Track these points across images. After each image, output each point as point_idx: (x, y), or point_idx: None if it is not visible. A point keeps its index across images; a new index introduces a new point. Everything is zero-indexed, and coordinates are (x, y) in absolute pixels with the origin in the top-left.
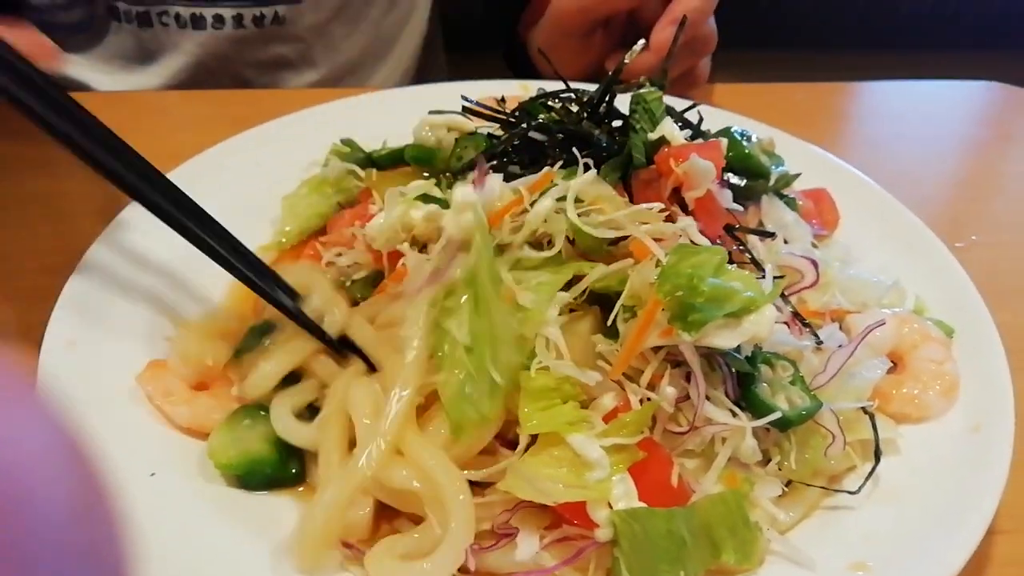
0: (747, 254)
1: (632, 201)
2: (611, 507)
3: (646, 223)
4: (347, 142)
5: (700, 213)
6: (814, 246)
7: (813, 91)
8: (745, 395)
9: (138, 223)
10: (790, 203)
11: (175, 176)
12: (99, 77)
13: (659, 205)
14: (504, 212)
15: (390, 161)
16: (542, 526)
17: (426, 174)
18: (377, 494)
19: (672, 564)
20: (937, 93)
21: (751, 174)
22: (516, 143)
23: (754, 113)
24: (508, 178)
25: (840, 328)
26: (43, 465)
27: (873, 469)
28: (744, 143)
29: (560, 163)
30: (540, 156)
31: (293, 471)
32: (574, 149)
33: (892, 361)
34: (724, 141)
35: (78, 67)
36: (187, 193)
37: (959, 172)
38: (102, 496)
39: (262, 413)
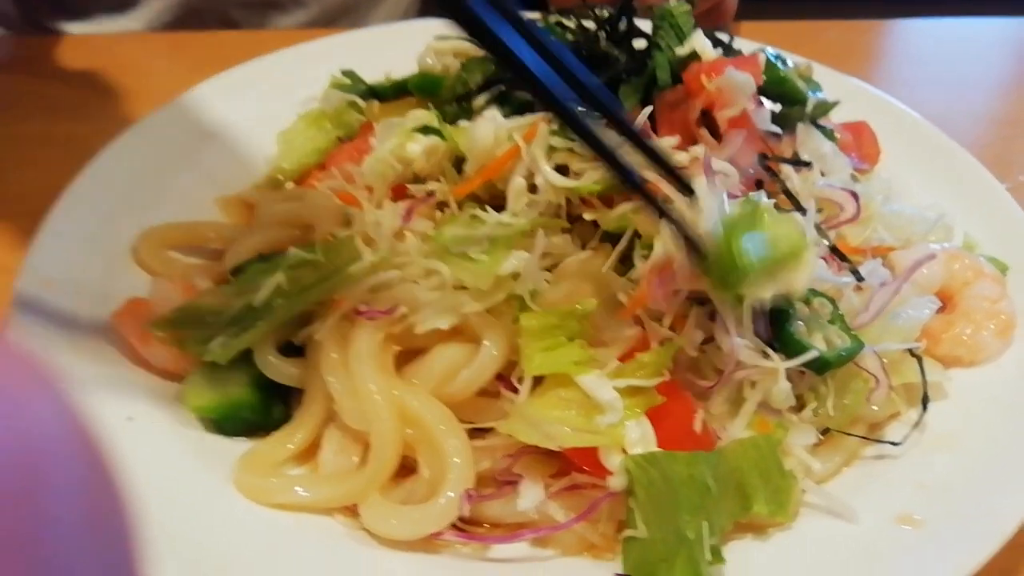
0: (782, 187)
1: (655, 127)
2: (626, 453)
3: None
4: (348, 73)
5: (734, 134)
6: (854, 179)
7: (847, 28)
8: (778, 334)
9: (121, 158)
10: (828, 134)
11: (161, 114)
12: (81, 25)
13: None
14: (502, 163)
15: (393, 92)
16: (548, 474)
17: (431, 105)
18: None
19: (694, 513)
20: (976, 30)
21: (787, 100)
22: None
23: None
24: (517, 108)
25: (884, 265)
26: (53, 440)
27: (921, 416)
28: (780, 66)
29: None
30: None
31: (275, 416)
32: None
33: (942, 300)
34: (762, 55)
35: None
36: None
37: (1000, 112)
38: (109, 470)
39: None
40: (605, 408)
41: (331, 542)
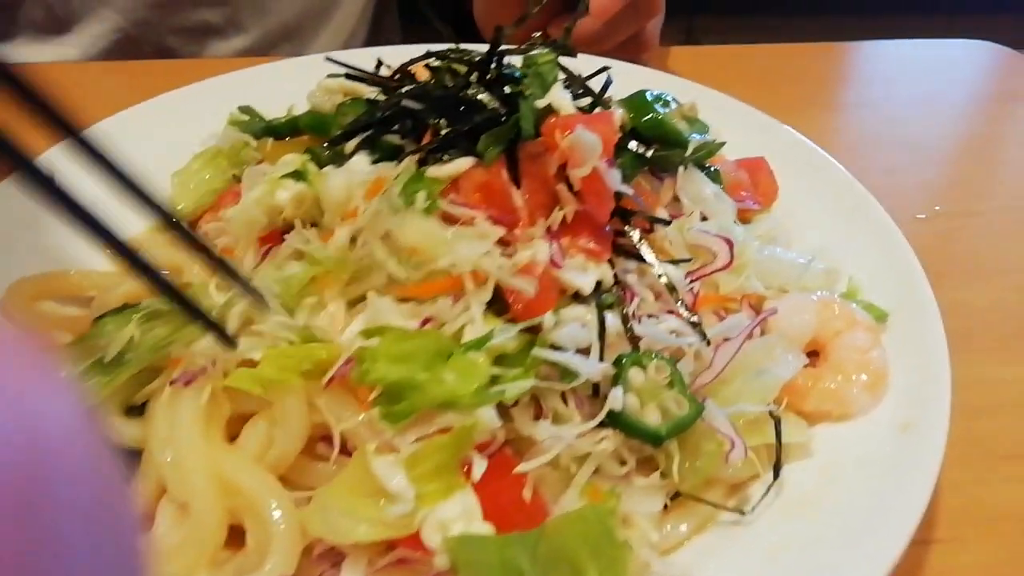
0: (629, 256)
1: (516, 179)
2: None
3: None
4: (245, 109)
5: (587, 194)
6: (738, 223)
7: (776, 53)
8: (608, 413)
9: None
10: (713, 175)
11: (56, 152)
12: (15, 50)
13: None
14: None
15: (289, 130)
16: (379, 547)
17: (311, 148)
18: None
19: None
20: (940, 51)
21: (665, 142)
22: (391, 111)
23: (712, 77)
24: (388, 153)
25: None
26: (62, 427)
27: (772, 483)
28: (657, 108)
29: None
30: (421, 124)
31: None
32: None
33: (815, 350)
34: (619, 112)
35: None
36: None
37: (941, 137)
38: (111, 455)
39: None
40: (395, 498)
41: None
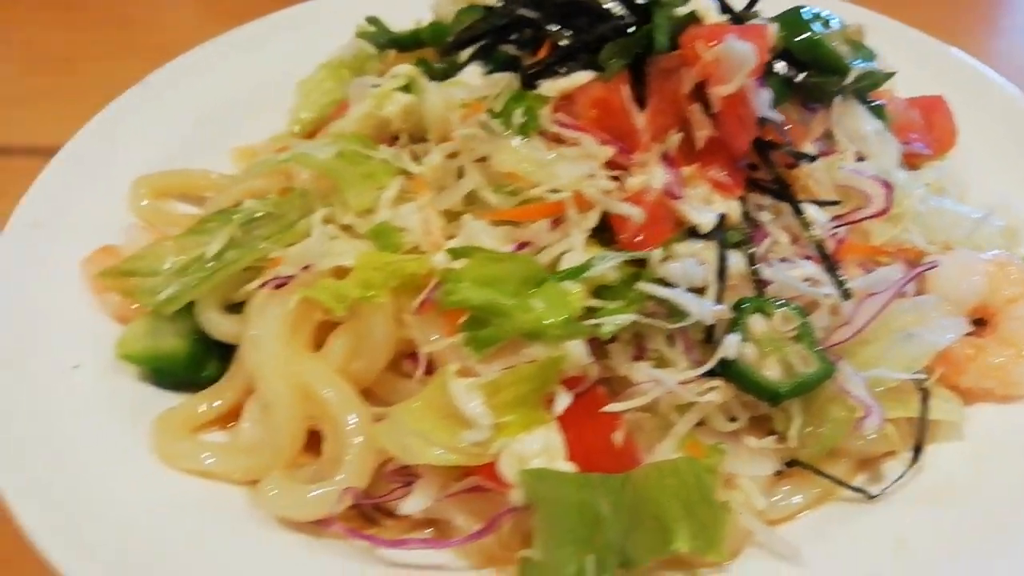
0: (766, 191)
1: (639, 98)
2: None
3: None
4: (372, 20)
5: (726, 118)
6: (905, 167)
7: None
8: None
9: (135, 106)
10: (877, 111)
11: (179, 63)
12: None
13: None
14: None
15: (412, 42)
16: (453, 473)
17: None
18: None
19: (580, 545)
20: None
21: (821, 68)
22: (507, 19)
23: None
24: (500, 64)
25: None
26: None
27: (911, 464)
28: (814, 27)
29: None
30: (539, 34)
31: (205, 374)
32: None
33: (982, 319)
34: (774, 27)
35: None
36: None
37: None
38: None
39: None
40: (471, 423)
41: (230, 518)
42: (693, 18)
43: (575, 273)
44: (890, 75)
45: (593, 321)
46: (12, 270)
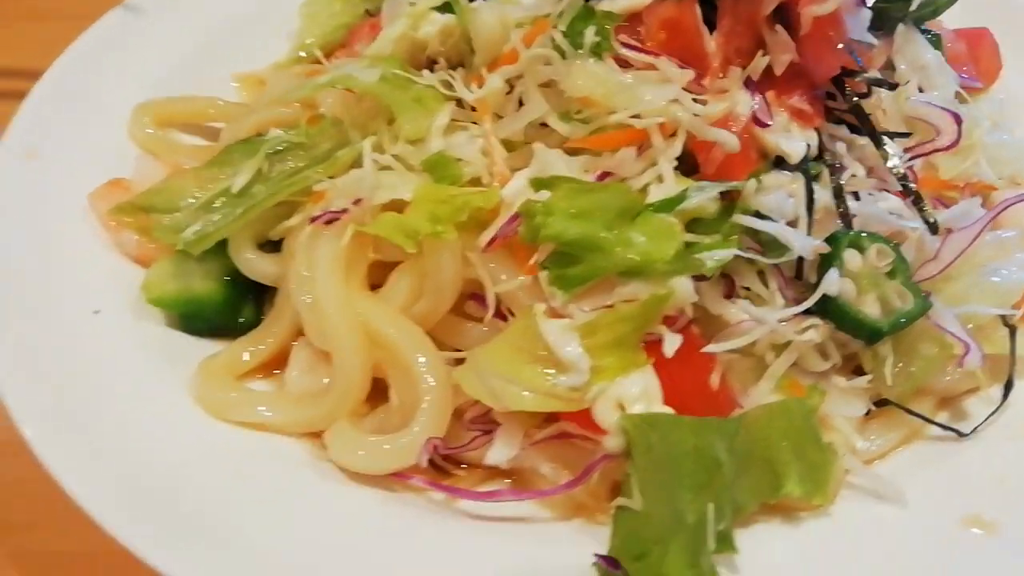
0: (842, 122)
1: (710, 19)
2: (624, 409)
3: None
4: None
5: (813, 42)
6: (960, 99)
7: None
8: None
9: (126, 26)
10: (934, 41)
11: None
12: None
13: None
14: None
15: None
16: (536, 419)
17: None
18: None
19: (698, 492)
20: None
21: None
22: None
23: None
24: None
25: (983, 206)
26: None
27: (1004, 399)
28: None
29: None
30: None
31: (241, 320)
32: None
33: None
34: None
35: None
36: None
37: None
38: None
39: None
40: (567, 367)
41: (290, 471)
42: None
43: (671, 204)
44: (950, 3)
45: (697, 256)
46: (9, 206)
